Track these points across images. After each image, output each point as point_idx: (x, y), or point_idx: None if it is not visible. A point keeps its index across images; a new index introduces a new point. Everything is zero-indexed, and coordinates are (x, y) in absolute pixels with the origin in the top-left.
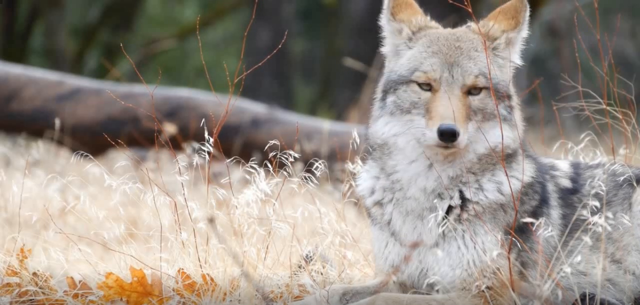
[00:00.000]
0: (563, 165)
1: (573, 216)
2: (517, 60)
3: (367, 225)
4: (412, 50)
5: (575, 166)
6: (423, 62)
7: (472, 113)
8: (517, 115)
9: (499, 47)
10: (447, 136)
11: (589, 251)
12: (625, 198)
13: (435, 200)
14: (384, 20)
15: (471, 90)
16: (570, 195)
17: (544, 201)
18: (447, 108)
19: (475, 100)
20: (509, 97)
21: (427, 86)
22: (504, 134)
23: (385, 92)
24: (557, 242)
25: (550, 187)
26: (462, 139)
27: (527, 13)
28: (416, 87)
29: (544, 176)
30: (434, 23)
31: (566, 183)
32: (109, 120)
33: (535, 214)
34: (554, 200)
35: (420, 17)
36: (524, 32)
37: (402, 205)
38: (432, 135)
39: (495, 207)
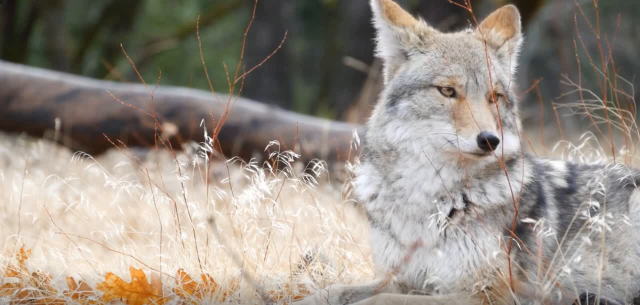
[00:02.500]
0: (558, 166)
1: (569, 216)
2: (513, 68)
3: (367, 226)
4: (426, 56)
5: (571, 167)
6: (444, 68)
7: (494, 121)
8: (518, 121)
9: (504, 54)
10: (491, 144)
11: (587, 251)
12: (622, 199)
13: (435, 201)
14: (380, 24)
15: (490, 99)
16: (566, 195)
17: (541, 201)
18: (484, 116)
19: (494, 108)
20: (512, 104)
21: (450, 92)
22: (511, 140)
23: (396, 97)
24: (555, 241)
25: (546, 187)
26: (500, 146)
27: (520, 20)
28: (437, 93)
29: (540, 176)
30: (431, 28)
31: (562, 183)
32: (109, 120)
33: (533, 214)
34: (550, 200)
35: (419, 22)
36: (521, 39)
37: (402, 211)
38: (470, 143)
39: (496, 209)
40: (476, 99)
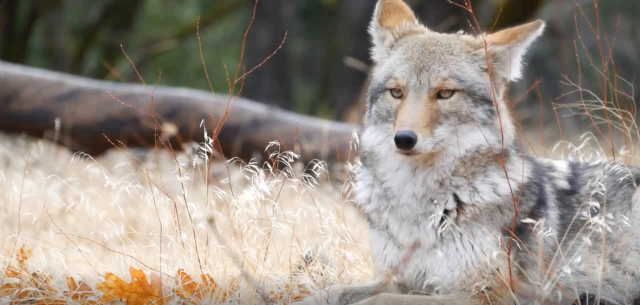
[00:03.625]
0: (561, 166)
1: (571, 216)
2: (509, 75)
3: (366, 227)
4: (390, 58)
5: (573, 167)
6: (396, 70)
7: (443, 117)
8: (504, 119)
9: (480, 54)
10: (403, 143)
11: (588, 252)
12: (624, 198)
13: (424, 203)
14: (372, 27)
15: (441, 94)
16: (568, 196)
17: (541, 202)
18: (407, 114)
19: (446, 104)
20: (487, 102)
21: (398, 93)
22: (483, 137)
23: (371, 101)
24: (555, 242)
25: (548, 188)
26: (422, 145)
27: (532, 34)
28: (389, 95)
29: (542, 177)
30: (420, 27)
31: (563, 184)
32: (109, 121)
33: (533, 215)
34: (551, 201)
35: (405, 23)
36: (520, 49)
37: (397, 212)
38: (392, 143)
39: (492, 208)
40: (415, 98)
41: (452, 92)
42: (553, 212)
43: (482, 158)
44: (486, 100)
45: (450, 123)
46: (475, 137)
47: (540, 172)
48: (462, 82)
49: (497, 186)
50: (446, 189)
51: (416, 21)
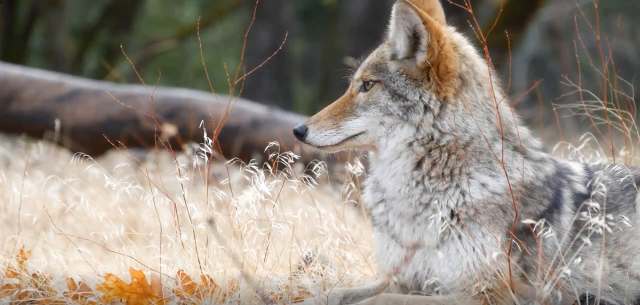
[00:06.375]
0: (577, 169)
1: (585, 222)
2: (410, 96)
3: (368, 227)
4: None
5: (588, 169)
6: None
7: (360, 109)
8: (420, 115)
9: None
10: (295, 134)
11: (597, 257)
12: (630, 201)
13: (419, 207)
14: None
15: (365, 86)
16: (583, 201)
17: (555, 207)
18: (325, 109)
19: (365, 96)
20: (404, 98)
21: None
22: (401, 132)
23: None
24: (561, 247)
25: (567, 193)
26: (312, 137)
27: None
28: None
29: (561, 181)
30: None
31: (582, 189)
32: (109, 121)
33: (543, 218)
34: (568, 206)
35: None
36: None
37: (396, 210)
38: None
39: (492, 208)
40: (345, 94)
41: (374, 83)
42: (566, 218)
43: (453, 157)
44: (402, 97)
45: (371, 115)
46: (402, 132)
47: (561, 175)
48: (379, 73)
49: (488, 185)
50: (436, 191)
51: None
